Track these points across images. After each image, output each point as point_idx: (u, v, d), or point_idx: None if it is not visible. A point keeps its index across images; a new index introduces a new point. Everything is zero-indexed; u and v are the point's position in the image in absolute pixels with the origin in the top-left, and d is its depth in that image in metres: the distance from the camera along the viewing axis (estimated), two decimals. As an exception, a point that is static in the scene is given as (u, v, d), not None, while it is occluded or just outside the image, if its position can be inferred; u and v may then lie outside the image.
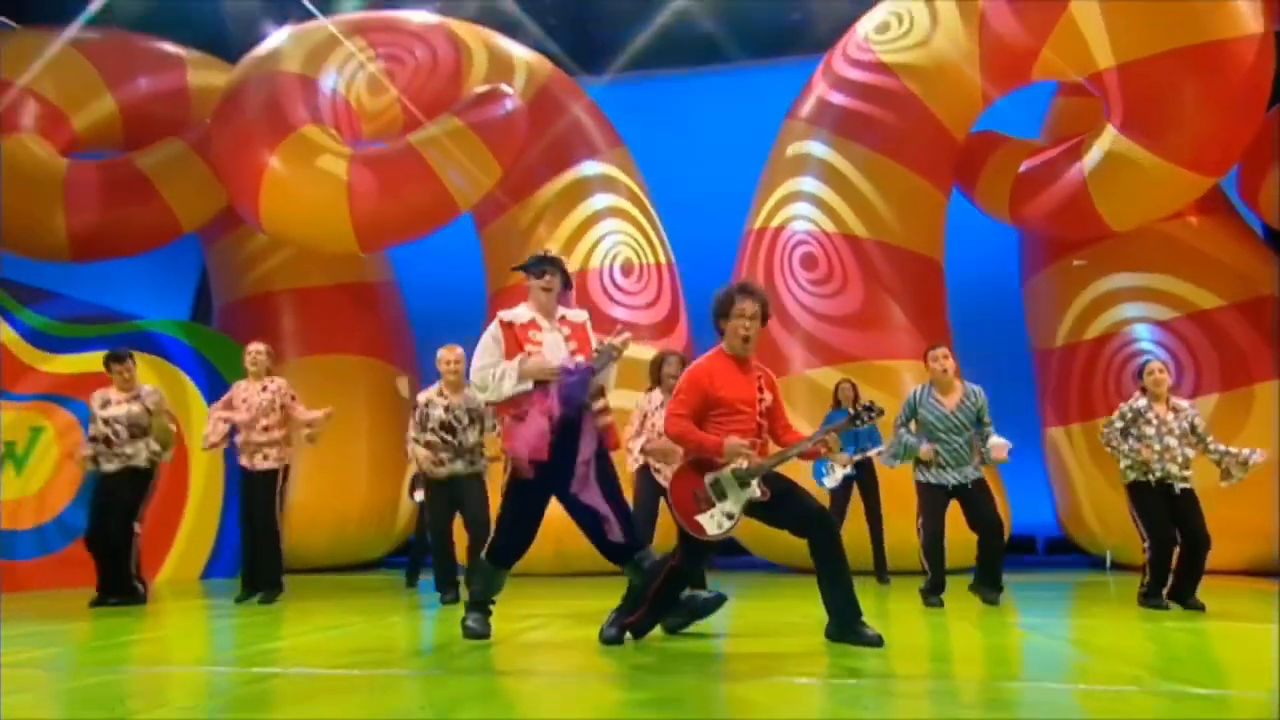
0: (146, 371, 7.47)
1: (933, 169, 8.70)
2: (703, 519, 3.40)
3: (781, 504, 3.55)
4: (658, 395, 5.20)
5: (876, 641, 3.37)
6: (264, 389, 5.75)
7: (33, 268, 8.30)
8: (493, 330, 3.78)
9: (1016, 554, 8.62)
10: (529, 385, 3.62)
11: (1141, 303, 8.16)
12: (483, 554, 3.88)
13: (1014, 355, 9.22)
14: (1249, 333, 7.64)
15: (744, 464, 3.41)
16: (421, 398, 5.66)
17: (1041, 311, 9.01)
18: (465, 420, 5.52)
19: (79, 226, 8.03)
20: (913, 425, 5.19)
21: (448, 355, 5.57)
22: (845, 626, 3.48)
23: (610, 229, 9.00)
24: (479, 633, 3.78)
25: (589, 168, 9.21)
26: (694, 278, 9.52)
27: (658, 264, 9.19)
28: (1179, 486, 4.71)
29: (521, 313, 3.82)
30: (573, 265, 8.73)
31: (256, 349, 5.85)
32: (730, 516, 3.41)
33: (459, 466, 5.48)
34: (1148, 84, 7.48)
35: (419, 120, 8.79)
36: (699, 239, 9.84)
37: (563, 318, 3.86)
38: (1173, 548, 4.70)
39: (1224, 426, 7.18)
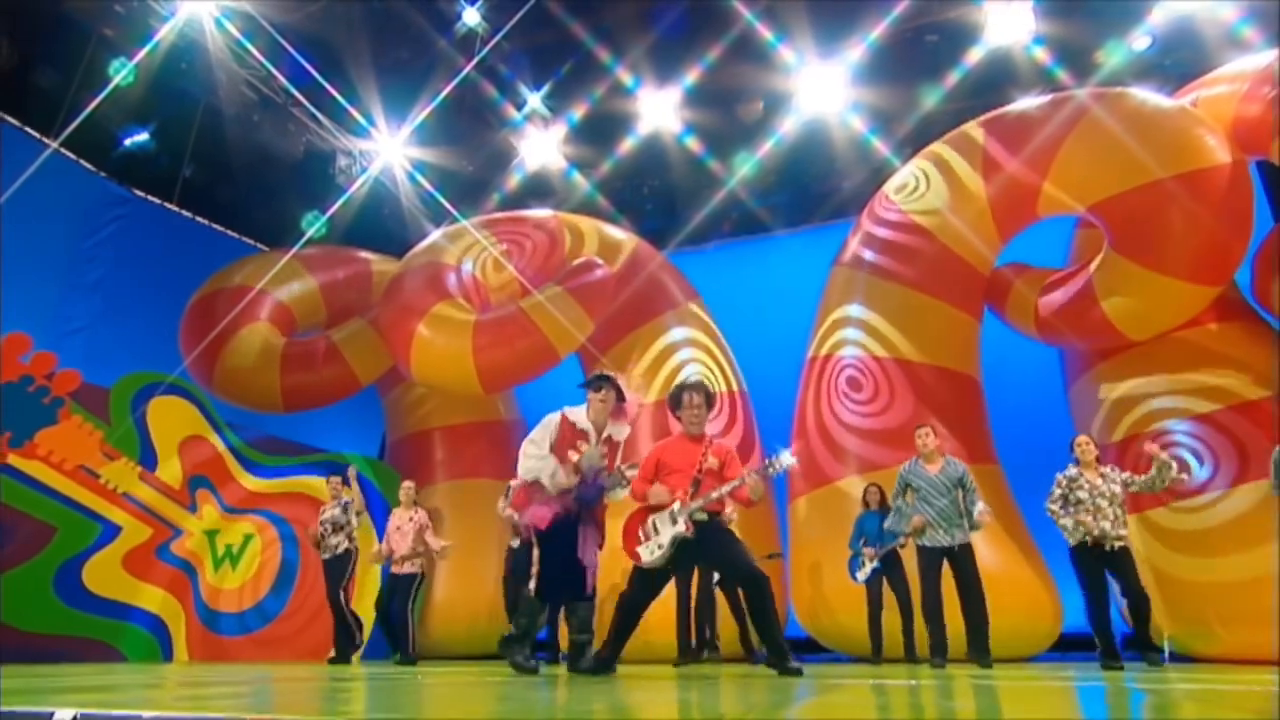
0: (323, 487, 9.40)
1: (963, 300, 9.45)
2: (641, 549, 4.40)
3: (716, 552, 4.45)
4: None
5: (797, 673, 4.09)
6: (410, 518, 7.45)
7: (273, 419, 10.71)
8: (554, 421, 4.51)
9: (1083, 651, 8.48)
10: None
11: (1171, 400, 8.33)
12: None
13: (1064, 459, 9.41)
14: (1263, 428, 7.64)
15: (675, 505, 4.40)
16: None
17: (1085, 415, 9.25)
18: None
19: (289, 385, 10.36)
20: (907, 496, 5.86)
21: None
22: (776, 663, 4.24)
23: (686, 359, 10.34)
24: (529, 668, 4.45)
25: (670, 317, 10.72)
26: (767, 407, 10.57)
27: (730, 391, 10.33)
28: (1114, 544, 5.10)
29: (580, 418, 4.51)
30: (655, 395, 10.13)
31: (407, 486, 7.68)
32: (660, 547, 4.39)
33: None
34: (1137, 211, 8.09)
35: (530, 289, 10.74)
36: (769, 375, 10.96)
37: (608, 438, 4.55)
38: (1106, 606, 5.03)
39: (1258, 518, 7.22)
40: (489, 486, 10.92)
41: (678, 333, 10.61)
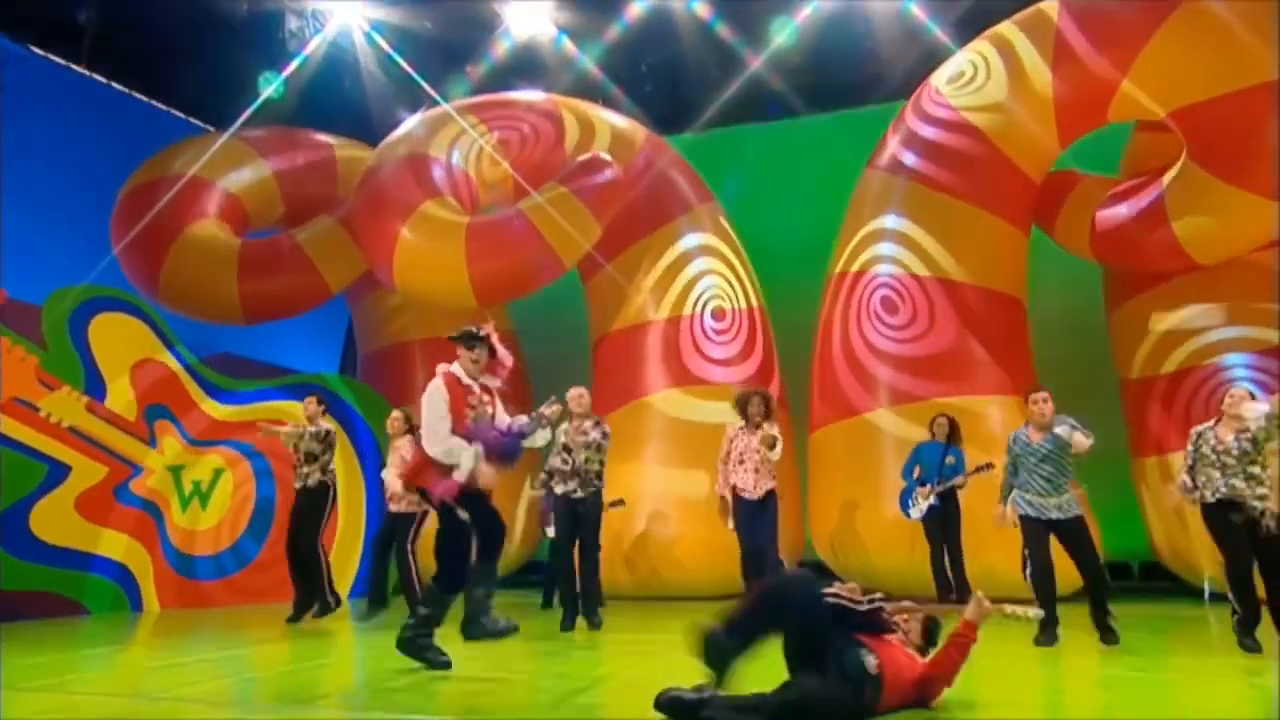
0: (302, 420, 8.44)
1: (1012, 211, 8.68)
2: None
3: None
4: (740, 427, 5.55)
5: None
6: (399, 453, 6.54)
7: (212, 328, 9.47)
8: (440, 390, 4.02)
9: (1113, 579, 8.39)
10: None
11: (1231, 329, 7.87)
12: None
13: (1099, 385, 8.98)
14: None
15: None
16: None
17: (1129, 342, 8.75)
18: (587, 446, 5.92)
19: (249, 294, 9.12)
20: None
21: (575, 394, 6.11)
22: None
23: (703, 276, 9.42)
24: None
25: (683, 223, 9.67)
26: (780, 319, 9.80)
27: (749, 308, 9.51)
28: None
29: (464, 375, 4.11)
30: (666, 312, 9.27)
31: (395, 416, 6.61)
32: None
33: (573, 486, 5.86)
34: (1226, 119, 7.32)
35: (528, 187, 9.52)
36: (784, 280, 10.14)
37: (484, 386, 4.18)
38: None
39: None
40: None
41: (691, 240, 9.62)
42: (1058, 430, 5.00)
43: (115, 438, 7.33)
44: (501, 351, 4.26)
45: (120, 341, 7.49)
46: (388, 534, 6.66)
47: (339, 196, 9.98)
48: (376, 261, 8.85)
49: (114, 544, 7.25)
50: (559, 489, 5.91)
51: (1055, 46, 8.15)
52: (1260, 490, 4.54)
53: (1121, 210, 8.16)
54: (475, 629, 4.00)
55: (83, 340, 7.21)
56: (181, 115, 11.23)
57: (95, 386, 7.26)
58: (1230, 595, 4.68)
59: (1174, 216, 7.69)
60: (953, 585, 6.68)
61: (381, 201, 8.74)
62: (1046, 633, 4.91)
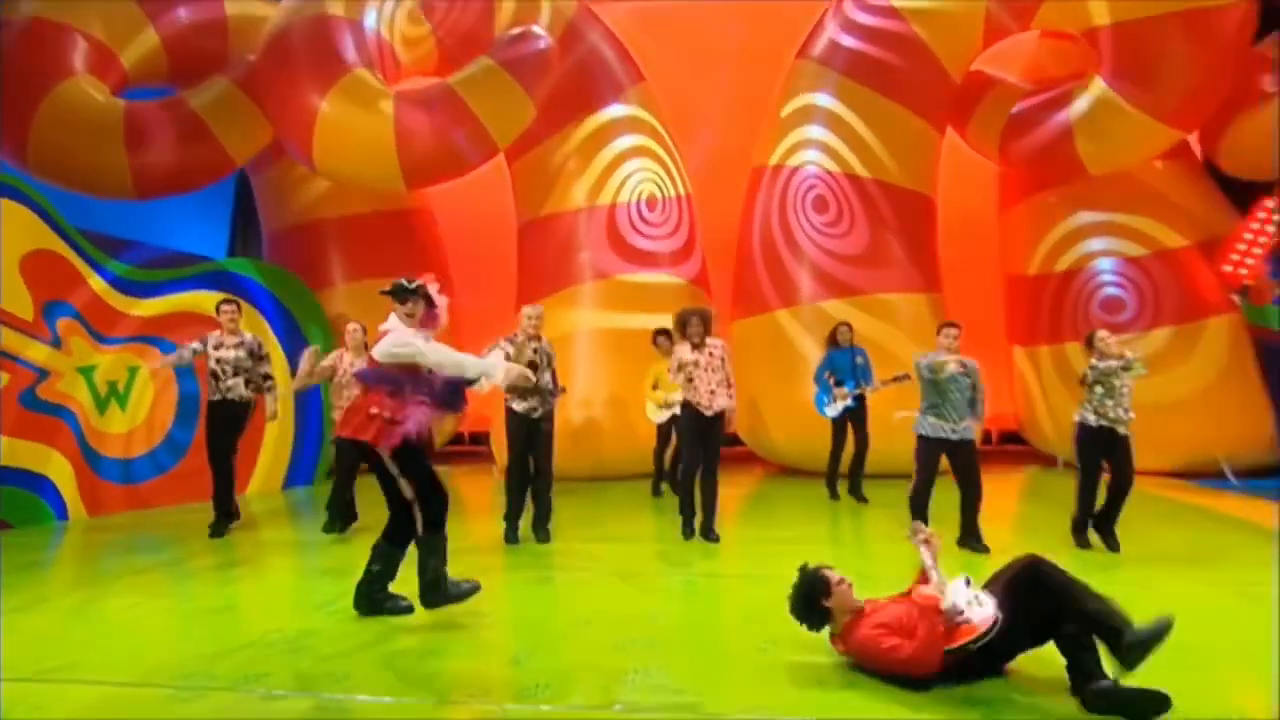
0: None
1: (932, 111, 8.59)
2: None
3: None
4: (686, 347, 5.34)
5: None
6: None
7: (80, 209, 7.93)
8: (403, 330, 3.71)
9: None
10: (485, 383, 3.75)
11: (1108, 239, 8.37)
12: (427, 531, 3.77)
13: (983, 276, 9.44)
14: (1204, 271, 7.95)
15: None
16: (509, 348, 5.63)
17: (1016, 241, 9.18)
18: (543, 363, 5.53)
19: (141, 166, 7.71)
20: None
21: (531, 311, 5.56)
22: None
23: (636, 165, 8.82)
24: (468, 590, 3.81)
25: (615, 107, 8.91)
26: (702, 203, 9.46)
27: (678, 196, 9.10)
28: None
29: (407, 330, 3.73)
30: (602, 199, 8.73)
31: (354, 327, 5.88)
32: None
33: (534, 403, 5.50)
34: (1141, 43, 7.41)
35: (453, 55, 8.40)
36: (707, 160, 9.75)
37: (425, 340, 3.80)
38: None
39: (1174, 357, 7.68)
40: (401, 287, 9.34)
41: (621, 126, 8.89)
42: (967, 362, 5.12)
43: (13, 340, 6.23)
44: (439, 301, 3.87)
45: (6, 232, 6.20)
46: (354, 459, 5.65)
47: (232, 54, 8.43)
48: (291, 140, 7.65)
49: (25, 453, 6.31)
50: (518, 406, 5.48)
51: (997, -50, 7.86)
52: (1128, 415, 4.91)
53: (1031, 120, 8.28)
54: (437, 597, 3.72)
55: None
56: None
57: (-22, 284, 6.07)
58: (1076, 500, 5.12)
59: (1078, 131, 7.88)
60: (854, 473, 7.00)
61: (293, 73, 7.43)
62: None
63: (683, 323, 5.39)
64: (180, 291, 7.39)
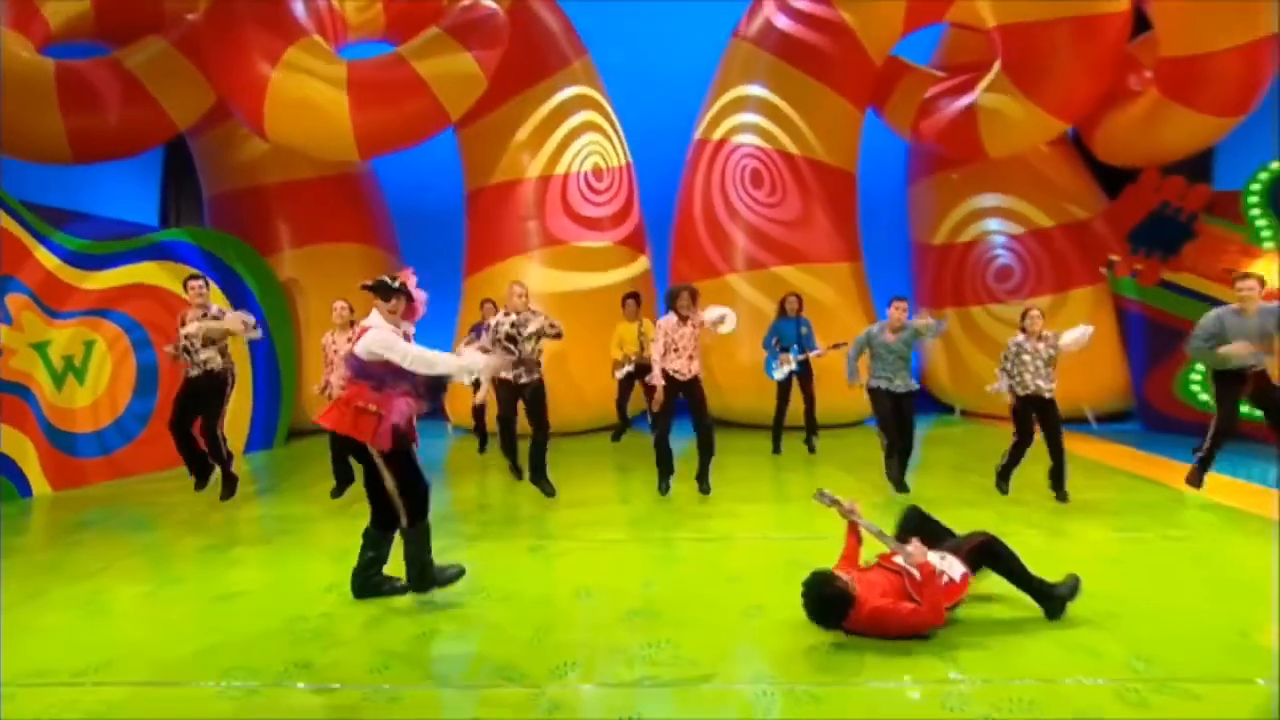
0: (167, 276, 7.28)
1: (855, 92, 9.07)
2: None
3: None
4: (673, 319, 5.67)
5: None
6: (349, 340, 5.77)
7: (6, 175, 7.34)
8: (385, 328, 3.76)
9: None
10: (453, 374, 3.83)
11: (1000, 219, 9.21)
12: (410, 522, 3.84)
13: (892, 241, 10.21)
14: (1074, 248, 8.89)
15: None
16: (492, 320, 5.94)
17: (923, 213, 9.93)
18: (523, 334, 5.79)
19: (77, 128, 7.21)
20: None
21: (519, 290, 5.82)
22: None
23: (582, 136, 8.93)
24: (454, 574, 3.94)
25: (561, 77, 8.94)
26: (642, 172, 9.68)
27: (621, 166, 9.29)
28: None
29: (388, 326, 3.80)
30: (551, 169, 8.84)
31: (340, 305, 5.81)
32: None
33: (519, 372, 5.75)
34: (1035, 43, 8.03)
35: (401, 18, 8.20)
36: (648, 135, 9.94)
37: (405, 333, 3.91)
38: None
39: (1052, 321, 8.60)
40: (348, 251, 9.21)
41: (570, 100, 8.96)
42: (915, 324, 5.85)
43: (-40, 318, 5.91)
44: (418, 296, 3.98)
45: (-59, 204, 5.81)
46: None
47: (166, 10, 7.90)
48: (241, 108, 7.33)
49: (-15, 432, 6.10)
50: (505, 374, 5.74)
51: (917, -52, 8.30)
52: (1052, 385, 5.69)
53: (941, 105, 8.91)
54: (425, 585, 3.84)
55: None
56: None
57: (-80, 260, 5.69)
58: (1005, 462, 5.89)
59: (981, 118, 8.53)
60: (807, 428, 7.71)
61: (241, 40, 7.08)
62: (894, 472, 5.91)
63: (673, 296, 5.68)
64: (130, 263, 7.07)
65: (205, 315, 5.75)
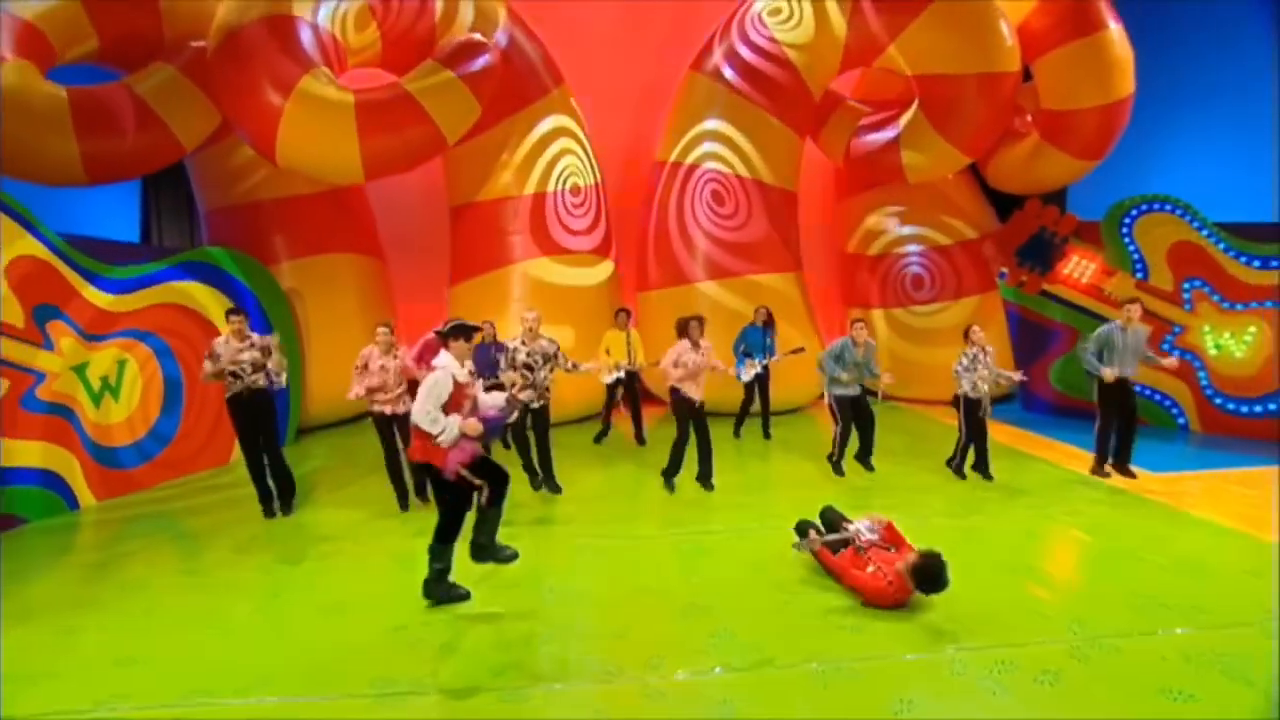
0: (189, 296, 7.38)
1: (798, 123, 9.91)
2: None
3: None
4: (687, 344, 6.27)
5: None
6: (395, 358, 6.03)
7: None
8: (441, 381, 4.04)
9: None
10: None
11: (916, 231, 10.38)
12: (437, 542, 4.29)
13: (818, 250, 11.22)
14: (972, 261, 10.19)
15: None
16: (509, 344, 6.34)
17: (848, 227, 10.98)
18: (539, 362, 6.25)
19: (92, 152, 7.08)
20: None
21: (528, 316, 6.26)
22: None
23: (566, 161, 9.39)
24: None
25: (542, 105, 9.33)
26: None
27: (595, 184, 9.83)
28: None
29: (459, 370, 4.11)
30: (534, 188, 9.29)
31: (383, 330, 6.00)
32: None
33: (531, 396, 6.13)
34: (947, 91, 9.10)
35: (395, 49, 8.38)
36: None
37: (471, 371, 4.26)
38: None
39: (955, 320, 9.92)
40: (343, 261, 9.38)
41: (551, 121, 9.37)
42: (871, 342, 6.86)
43: (9, 347, 5.90)
44: (486, 326, 4.41)
45: (-13, 240, 5.75)
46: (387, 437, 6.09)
47: (166, 34, 7.75)
48: (253, 136, 7.35)
49: (34, 453, 6.09)
50: (522, 397, 5.98)
51: (851, 6, 9.17)
52: (985, 387, 6.82)
53: (870, 137, 9.90)
54: (484, 555, 4.26)
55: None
56: None
57: (-30, 294, 5.65)
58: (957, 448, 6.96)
59: (903, 149, 9.57)
60: (764, 421, 8.67)
61: (254, 73, 7.07)
62: (836, 460, 6.89)
63: (684, 326, 6.19)
64: (153, 285, 7.10)
65: (252, 345, 5.93)
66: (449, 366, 4.14)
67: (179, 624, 4.24)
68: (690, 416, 6.40)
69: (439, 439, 4.05)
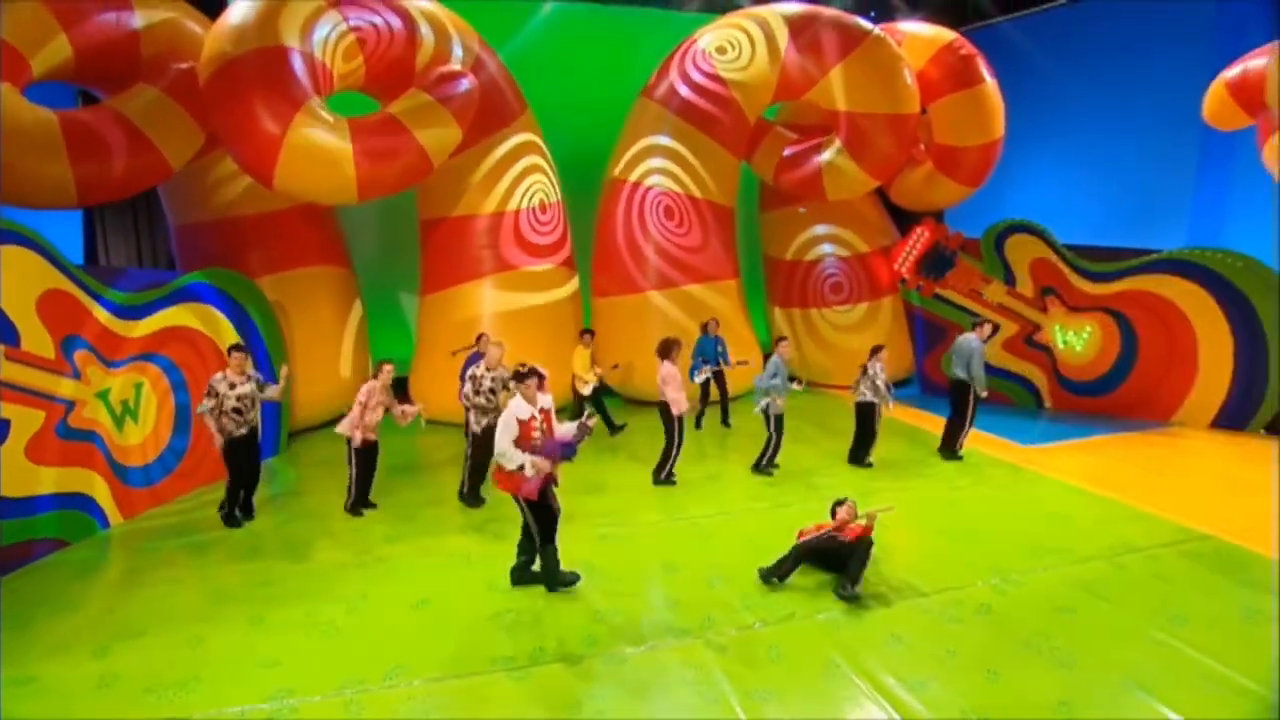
0: (193, 317, 7.57)
1: (735, 146, 11.02)
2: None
3: None
4: (670, 365, 7.34)
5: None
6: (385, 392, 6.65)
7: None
8: (508, 422, 4.81)
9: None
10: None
11: (831, 243, 11.88)
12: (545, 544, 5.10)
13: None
14: (880, 268, 11.83)
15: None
16: (476, 371, 6.91)
17: (774, 235, 12.30)
18: (501, 387, 6.82)
19: (85, 176, 7.04)
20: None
21: (496, 351, 6.92)
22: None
23: (529, 177, 10.01)
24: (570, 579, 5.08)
25: (511, 129, 9.89)
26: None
27: (558, 201, 10.53)
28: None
29: (524, 409, 4.82)
30: (504, 205, 9.89)
31: (389, 369, 6.62)
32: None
33: (491, 419, 6.45)
34: (864, 127, 10.49)
35: (378, 76, 8.69)
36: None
37: (544, 410, 4.92)
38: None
39: (866, 320, 11.55)
40: (321, 274, 9.63)
41: (519, 146, 9.95)
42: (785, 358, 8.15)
43: (42, 380, 6.01)
44: (546, 372, 5.05)
45: (20, 278, 5.80)
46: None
47: (143, 55, 7.69)
48: (250, 163, 7.52)
49: (70, 478, 6.25)
50: (482, 420, 6.67)
51: (785, 46, 10.35)
52: (884, 394, 8.29)
53: (796, 160, 11.17)
54: (553, 584, 5.04)
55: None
56: None
57: (6, 331, 5.74)
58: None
59: (825, 174, 10.94)
60: (723, 411, 9.89)
61: (250, 105, 7.23)
62: (766, 462, 8.19)
63: (667, 348, 7.18)
64: (162, 309, 7.22)
65: (249, 379, 6.41)
66: (514, 409, 4.87)
67: (286, 629, 4.75)
68: (675, 424, 7.44)
69: (521, 471, 4.81)
